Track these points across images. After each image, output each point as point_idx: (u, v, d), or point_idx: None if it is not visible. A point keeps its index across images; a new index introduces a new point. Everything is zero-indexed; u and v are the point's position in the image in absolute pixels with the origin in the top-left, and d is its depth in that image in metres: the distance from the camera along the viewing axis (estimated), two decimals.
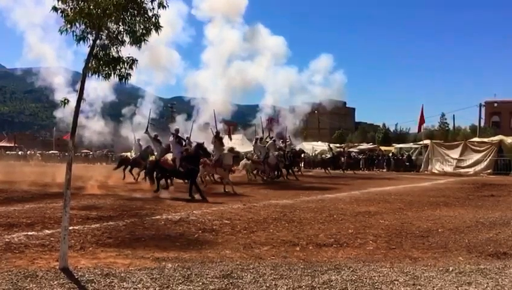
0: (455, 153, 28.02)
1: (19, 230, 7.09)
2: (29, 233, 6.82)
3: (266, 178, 20.63)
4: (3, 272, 4.63)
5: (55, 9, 4.93)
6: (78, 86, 5.32)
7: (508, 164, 26.54)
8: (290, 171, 22.26)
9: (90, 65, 5.08)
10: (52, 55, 28.48)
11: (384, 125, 69.63)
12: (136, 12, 5.07)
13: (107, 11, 4.81)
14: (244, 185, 16.81)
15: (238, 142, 30.20)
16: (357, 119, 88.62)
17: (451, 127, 56.78)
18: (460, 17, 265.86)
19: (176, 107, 48.51)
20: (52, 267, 4.86)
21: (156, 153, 15.29)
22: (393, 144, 41.22)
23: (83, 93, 5.17)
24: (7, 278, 4.44)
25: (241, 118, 51.93)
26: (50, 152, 53.04)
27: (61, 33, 4.99)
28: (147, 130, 16.49)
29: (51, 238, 6.39)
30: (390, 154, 35.24)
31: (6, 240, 6.27)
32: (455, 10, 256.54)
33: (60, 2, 4.91)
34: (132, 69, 5.25)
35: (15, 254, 5.51)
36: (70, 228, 6.19)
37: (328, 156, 31.72)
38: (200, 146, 13.18)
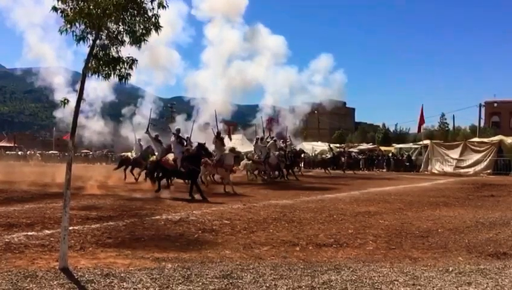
0: (455, 153, 28.03)
1: (18, 230, 7.09)
2: (29, 233, 6.82)
3: (267, 178, 20.63)
4: (3, 272, 4.63)
5: (55, 9, 4.93)
6: (78, 86, 5.32)
7: (508, 164, 26.55)
8: (290, 171, 22.27)
9: (90, 65, 5.08)
10: (52, 55, 28.50)
11: (384, 125, 69.71)
12: (136, 12, 5.07)
13: (107, 11, 4.81)
14: (244, 185, 16.81)
15: (238, 142, 30.19)
16: (356, 120, 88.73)
17: (451, 127, 56.80)
18: (460, 12, 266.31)
19: (175, 107, 48.53)
20: (52, 268, 4.85)
21: (156, 153, 15.30)
22: (393, 144, 41.25)
23: (83, 93, 5.17)
24: (7, 278, 4.44)
25: (241, 118, 51.91)
26: (50, 152, 53.07)
27: (61, 33, 4.99)
28: (147, 130, 16.49)
29: (51, 239, 6.39)
30: (390, 155, 35.27)
31: (6, 240, 6.27)
32: (455, 5, 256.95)
33: (59, 2, 4.91)
34: (132, 69, 5.25)
35: (15, 254, 5.51)
36: (70, 228, 6.19)
37: (329, 156, 31.74)
38: (201, 146, 13.18)
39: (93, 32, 4.99)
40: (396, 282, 4.60)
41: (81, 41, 5.00)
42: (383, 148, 40.23)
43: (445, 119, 61.90)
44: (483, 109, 48.43)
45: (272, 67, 31.85)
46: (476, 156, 27.14)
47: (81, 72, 5.14)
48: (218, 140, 16.22)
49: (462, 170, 26.98)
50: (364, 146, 40.67)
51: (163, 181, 14.12)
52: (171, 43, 30.97)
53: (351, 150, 36.05)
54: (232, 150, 16.26)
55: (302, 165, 28.06)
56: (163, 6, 5.12)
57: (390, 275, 4.82)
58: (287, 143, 23.90)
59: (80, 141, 29.13)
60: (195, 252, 5.81)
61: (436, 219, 8.94)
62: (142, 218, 8.54)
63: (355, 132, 69.22)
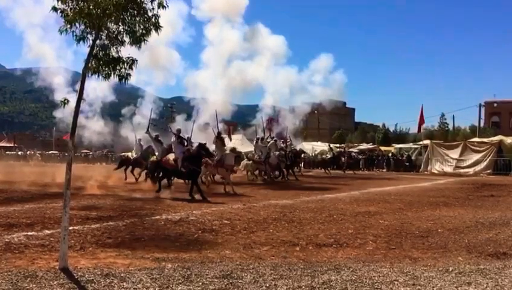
0: (455, 153, 28.05)
1: (18, 230, 7.09)
2: (29, 233, 6.82)
3: (267, 178, 20.63)
4: (3, 272, 4.63)
5: (54, 9, 4.93)
6: (78, 86, 5.32)
7: (508, 164, 26.56)
8: (290, 171, 22.27)
9: (90, 65, 5.08)
10: (52, 55, 28.53)
11: (384, 125, 69.69)
12: (136, 12, 5.07)
13: (107, 11, 4.81)
14: (244, 185, 16.81)
15: (238, 143, 30.21)
16: (356, 120, 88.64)
17: (451, 127, 56.78)
18: (460, 12, 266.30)
19: (175, 107, 48.51)
20: (52, 268, 4.85)
21: (157, 153, 15.30)
22: (393, 144, 41.28)
23: (83, 93, 5.17)
24: (7, 278, 4.44)
25: (241, 118, 51.93)
26: (50, 152, 53.07)
27: (61, 33, 5.00)
28: (147, 130, 16.51)
29: (51, 239, 6.39)
30: (390, 155, 35.28)
31: (6, 240, 6.27)
32: (455, 5, 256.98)
33: (59, 2, 4.91)
34: (132, 69, 5.25)
35: (15, 254, 5.51)
36: (70, 228, 6.19)
37: (329, 156, 31.74)
38: (202, 146, 13.18)
39: (93, 33, 4.99)
40: (396, 282, 4.60)
41: (81, 42, 5.00)
42: (383, 148, 40.24)
43: (445, 119, 61.96)
44: (483, 109, 48.45)
45: (271, 67, 31.92)
46: (476, 156, 27.15)
47: (81, 72, 5.14)
48: (219, 140, 16.22)
49: (462, 170, 26.99)
50: (364, 146, 40.68)
51: (164, 181, 14.11)
52: (171, 43, 31.03)
53: (351, 150, 36.07)
54: (233, 150, 16.27)
55: (302, 165, 28.06)
56: (163, 7, 5.12)
57: (390, 275, 4.82)
58: (287, 143, 23.91)
59: (80, 141, 29.15)
60: (195, 252, 5.81)
61: (436, 219, 8.94)
62: (142, 218, 8.54)
63: (355, 132, 69.19)
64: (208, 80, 29.93)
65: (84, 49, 5.05)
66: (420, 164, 30.39)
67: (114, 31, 5.11)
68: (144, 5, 5.06)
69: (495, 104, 60.83)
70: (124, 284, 4.38)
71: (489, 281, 4.69)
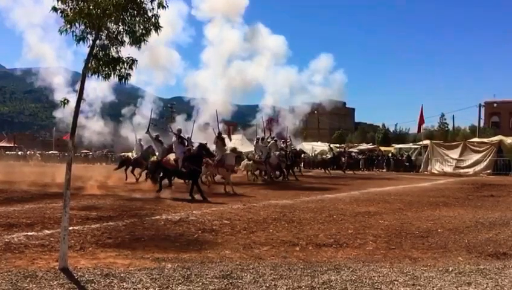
0: (455, 154, 28.05)
1: (18, 230, 7.09)
2: (29, 233, 6.82)
3: (267, 178, 20.62)
4: (3, 272, 4.63)
5: (54, 9, 4.93)
6: (77, 86, 5.32)
7: (508, 164, 26.57)
8: (290, 171, 22.27)
9: (90, 65, 5.08)
10: (51, 55, 28.51)
11: (383, 125, 69.66)
12: (135, 12, 5.07)
13: (107, 12, 4.81)
14: (244, 186, 16.81)
15: (238, 143, 30.20)
16: (356, 120, 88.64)
17: (450, 127, 56.78)
18: (460, 12, 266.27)
19: (175, 107, 48.50)
20: (51, 268, 4.85)
21: (157, 154, 15.31)
22: (393, 144, 41.28)
23: (83, 93, 5.17)
24: (7, 278, 4.44)
25: (241, 118, 51.96)
26: (50, 152, 53.08)
27: (61, 33, 5.00)
28: (148, 130, 16.52)
29: (51, 239, 6.39)
30: (390, 155, 35.28)
31: (6, 240, 6.27)
32: (455, 5, 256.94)
33: (59, 2, 4.91)
34: (132, 69, 5.25)
35: (15, 254, 5.51)
36: (70, 228, 6.19)
37: (329, 156, 31.73)
38: (203, 146, 13.18)
39: (93, 33, 4.99)
40: (396, 282, 4.60)
41: (81, 42, 5.00)
42: (382, 148, 40.24)
43: (445, 119, 61.94)
44: (483, 109, 48.49)
45: (271, 67, 31.92)
46: (476, 156, 27.16)
47: (81, 72, 5.14)
48: (219, 140, 16.22)
49: (461, 170, 27.00)
50: (364, 146, 40.69)
51: (165, 181, 14.12)
52: (171, 43, 31.03)
53: (350, 150, 36.08)
54: (234, 150, 16.27)
55: (302, 165, 28.08)
56: (163, 7, 5.12)
57: (390, 275, 4.82)
58: (287, 143, 23.91)
59: (80, 141, 29.15)
60: (195, 252, 5.81)
61: (436, 219, 8.94)
62: (142, 218, 8.54)
63: (355, 132, 69.20)
64: (208, 80, 29.96)
65: (84, 49, 5.06)
66: (420, 164, 30.40)
67: (114, 31, 5.11)
68: (143, 5, 5.06)
69: (495, 104, 60.83)
70: (124, 284, 4.38)
71: (489, 281, 4.69)
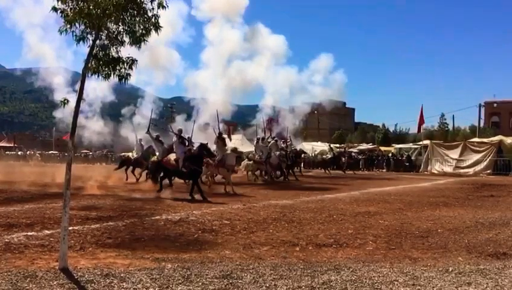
0: (455, 154, 28.05)
1: (18, 230, 7.09)
2: (29, 233, 6.81)
3: (268, 178, 20.60)
4: (3, 273, 4.63)
5: (54, 9, 4.93)
6: (77, 86, 5.32)
7: (508, 164, 26.56)
8: (290, 171, 22.26)
9: (89, 65, 5.08)
10: (51, 55, 28.53)
11: (383, 125, 69.63)
12: (135, 12, 5.07)
13: (107, 12, 4.81)
14: (244, 186, 16.80)
15: (238, 143, 30.25)
16: (356, 120, 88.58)
17: (450, 127, 56.75)
18: (460, 12, 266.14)
19: (175, 107, 48.50)
20: (51, 268, 4.85)
21: (157, 153, 15.31)
22: (393, 145, 41.27)
23: (83, 93, 5.17)
24: (7, 279, 4.44)
25: (241, 118, 51.98)
26: (50, 152, 53.06)
27: (61, 33, 5.00)
28: (148, 130, 16.53)
29: (51, 239, 6.39)
30: (390, 155, 35.28)
31: (6, 240, 6.27)
32: (455, 5, 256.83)
33: (59, 2, 4.91)
34: (132, 69, 5.25)
35: (15, 254, 5.51)
36: (70, 228, 6.19)
37: (329, 156, 31.72)
38: (203, 146, 13.18)
39: (93, 33, 4.99)
40: (396, 282, 4.60)
41: (81, 42, 5.00)
42: (382, 148, 40.24)
43: (445, 119, 61.90)
44: (483, 109, 48.47)
45: (272, 67, 31.93)
46: (476, 156, 27.15)
47: (81, 72, 5.14)
48: (220, 140, 16.21)
49: (461, 170, 27.00)
50: (364, 146, 40.68)
51: (165, 181, 14.12)
52: (171, 43, 31.05)
53: (350, 150, 36.07)
54: (234, 150, 16.27)
55: (302, 165, 28.08)
56: (163, 7, 5.12)
57: (390, 275, 4.82)
58: (288, 143, 23.91)
59: (80, 141, 29.16)
60: (195, 252, 5.81)
61: (436, 219, 8.94)
62: (142, 218, 8.53)
63: (355, 132, 69.18)
64: (208, 80, 29.97)
65: (84, 49, 5.06)
66: (420, 164, 30.40)
67: (114, 31, 5.11)
68: (143, 5, 5.06)
69: (495, 104, 60.80)
70: (124, 284, 4.38)
71: (489, 281, 4.69)
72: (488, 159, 26.68)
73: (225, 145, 16.54)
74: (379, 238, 6.94)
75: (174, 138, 13.86)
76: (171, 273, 4.77)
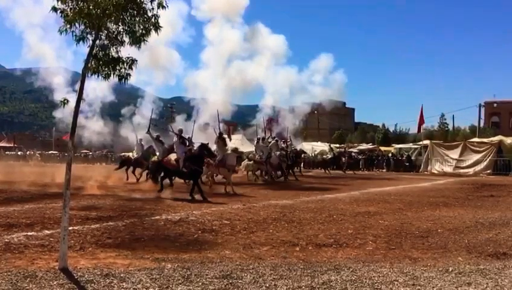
0: (455, 154, 28.04)
1: (18, 230, 7.09)
2: (29, 233, 6.81)
3: (268, 178, 20.59)
4: (3, 272, 4.63)
5: (54, 9, 4.92)
6: (77, 86, 5.32)
7: (508, 164, 26.56)
8: (290, 171, 22.26)
9: (89, 65, 5.08)
10: (51, 55, 28.57)
11: (383, 125, 69.65)
12: (135, 12, 5.07)
13: (107, 12, 4.81)
14: (244, 186, 16.80)
15: (238, 143, 30.21)
16: (356, 120, 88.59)
17: (450, 127, 56.75)
18: (460, 12, 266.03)
19: (175, 107, 48.54)
20: (51, 268, 4.85)
21: (158, 154, 15.31)
22: (393, 145, 41.27)
23: (83, 93, 5.17)
24: (7, 279, 4.44)
25: (240, 118, 52.00)
26: (49, 152, 53.07)
27: (61, 33, 5.00)
28: (148, 130, 16.53)
29: (51, 239, 6.39)
30: (390, 155, 35.28)
31: (6, 240, 6.27)
32: (455, 5, 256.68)
33: (59, 2, 4.91)
34: (132, 69, 5.25)
35: (14, 254, 5.51)
36: (70, 228, 6.19)
37: (329, 156, 31.72)
38: (204, 146, 13.17)
39: (93, 33, 4.99)
40: (396, 282, 4.60)
41: (81, 42, 5.00)
42: (382, 148, 40.24)
43: (445, 119, 61.89)
44: (482, 109, 48.46)
45: (272, 67, 31.97)
46: (476, 157, 27.15)
47: (80, 72, 5.14)
48: (221, 140, 16.21)
49: (461, 170, 26.99)
50: (364, 146, 40.68)
51: (166, 181, 14.12)
52: (171, 43, 31.11)
53: (350, 150, 36.07)
54: (235, 150, 16.26)
55: (302, 165, 28.08)
56: (163, 7, 5.12)
57: (390, 275, 4.82)
58: (288, 143, 23.91)
59: (80, 141, 29.17)
60: (195, 253, 5.81)
61: (436, 219, 8.94)
62: (142, 218, 8.53)
63: (355, 132, 69.20)
64: (208, 80, 30.02)
65: (84, 49, 5.06)
66: (420, 164, 30.39)
67: (114, 31, 5.11)
68: (143, 5, 5.06)
69: (495, 104, 60.79)
70: (124, 284, 4.38)
71: (489, 281, 4.69)
72: (488, 159, 26.68)
73: (226, 145, 16.54)
74: (379, 238, 6.94)
75: (175, 138, 13.86)
76: (171, 273, 4.77)
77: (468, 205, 11.53)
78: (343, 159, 30.69)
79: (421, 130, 35.58)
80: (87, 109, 24.88)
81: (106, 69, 5.13)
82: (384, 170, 32.54)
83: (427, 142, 31.91)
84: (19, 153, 56.70)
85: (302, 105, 31.76)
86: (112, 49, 5.15)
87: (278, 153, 20.86)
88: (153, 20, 5.13)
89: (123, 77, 5.23)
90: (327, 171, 29.14)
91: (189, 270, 4.89)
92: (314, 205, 10.95)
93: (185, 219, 8.42)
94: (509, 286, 4.55)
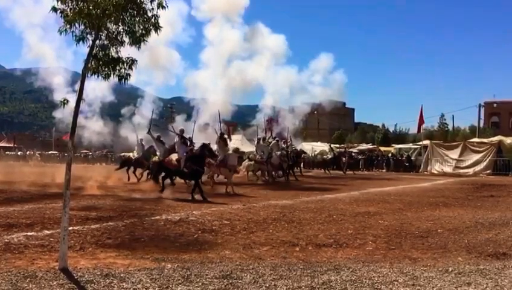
0: (454, 154, 28.05)
1: (18, 230, 7.09)
2: (29, 233, 6.81)
3: (269, 178, 20.58)
4: (3, 273, 4.63)
5: (54, 9, 4.93)
6: (77, 86, 5.32)
7: (507, 164, 26.57)
8: (290, 171, 22.25)
9: (89, 65, 5.08)
10: (51, 55, 28.54)
11: (383, 125, 69.82)
12: (135, 12, 5.07)
13: (107, 12, 4.81)
14: (244, 186, 16.80)
15: (238, 143, 30.19)
16: (356, 120, 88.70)
17: (450, 127, 56.84)
18: (460, 12, 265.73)
19: (175, 107, 48.52)
20: (51, 268, 4.85)
21: (158, 154, 15.30)
22: (393, 145, 41.29)
23: (83, 93, 5.17)
24: (7, 279, 4.44)
25: (240, 119, 51.99)
26: (49, 152, 53.04)
27: (61, 34, 5.00)
28: (149, 130, 16.53)
29: (51, 239, 6.39)
30: (390, 155, 35.29)
31: (6, 240, 6.27)
32: (455, 5, 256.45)
33: (59, 3, 4.91)
34: (132, 69, 5.25)
35: (14, 255, 5.51)
36: (70, 228, 6.19)
37: (330, 156, 31.72)
38: (205, 146, 13.16)
39: (93, 33, 4.99)
40: (396, 282, 4.60)
41: (81, 42, 5.00)
42: (382, 148, 40.26)
43: (445, 119, 61.99)
44: (482, 109, 48.50)
45: (272, 67, 31.96)
46: (476, 157, 27.16)
47: (80, 72, 5.14)
48: (222, 140, 16.20)
49: (461, 170, 27.00)
50: (363, 146, 40.70)
51: (167, 180, 14.11)
52: (171, 43, 31.09)
53: (350, 150, 36.07)
54: (236, 150, 16.26)
55: (302, 165, 28.07)
56: (163, 7, 5.12)
57: (390, 276, 4.82)
58: (288, 143, 23.90)
59: (80, 142, 29.16)
60: (195, 253, 5.81)
61: (436, 219, 8.95)
62: (142, 218, 8.53)
63: (354, 132, 69.26)
64: (208, 80, 30.00)
65: (84, 49, 5.06)
66: (420, 164, 30.40)
67: (114, 32, 5.11)
68: (143, 6, 5.06)
69: (495, 105, 60.83)
70: (124, 284, 4.38)
71: (489, 281, 4.69)
72: (487, 159, 26.69)
73: (227, 145, 16.53)
74: (379, 239, 6.94)
75: (176, 138, 13.87)
76: (171, 273, 4.77)
77: (468, 205, 11.53)
78: (344, 159, 30.68)
79: (421, 130, 35.60)
80: (87, 109, 24.87)
81: (106, 69, 5.14)
82: (384, 170, 32.54)
83: (427, 142, 31.92)
84: (19, 153, 56.69)
85: (302, 105, 31.77)
86: (111, 49, 5.15)
87: (279, 153, 20.85)
88: (152, 20, 5.14)
89: (123, 77, 5.23)
90: (327, 172, 29.14)
91: (189, 270, 4.89)
92: (314, 205, 10.95)
93: (185, 219, 8.43)
94: (509, 286, 4.55)
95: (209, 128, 20.70)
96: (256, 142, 22.16)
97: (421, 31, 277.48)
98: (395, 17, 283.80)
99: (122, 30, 5.12)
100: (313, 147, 38.72)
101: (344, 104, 72.85)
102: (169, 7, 5.19)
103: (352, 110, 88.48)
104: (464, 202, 12.30)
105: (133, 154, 20.67)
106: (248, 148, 28.06)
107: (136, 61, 5.25)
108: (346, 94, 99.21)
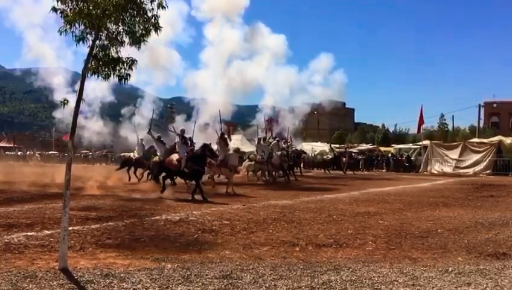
0: (454, 154, 28.06)
1: (18, 231, 7.09)
2: (29, 234, 6.81)
3: (270, 178, 20.58)
4: (3, 273, 4.63)
5: (54, 9, 4.93)
6: (77, 87, 5.32)
7: (507, 164, 26.58)
8: (290, 171, 22.25)
9: (89, 66, 5.08)
10: (51, 55, 28.55)
11: (383, 125, 69.94)
12: (135, 12, 5.07)
13: (107, 12, 4.81)
14: (244, 186, 16.80)
15: (238, 143, 30.20)
16: (356, 120, 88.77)
17: (450, 127, 56.88)
18: (460, 12, 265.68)
19: (175, 107, 48.53)
20: (51, 268, 4.86)
21: (159, 154, 15.29)
22: (393, 145, 41.32)
23: (83, 93, 5.17)
24: (7, 279, 4.44)
25: (240, 119, 52.02)
26: (49, 152, 53.08)
27: (61, 34, 5.00)
28: (149, 130, 16.53)
29: (51, 239, 6.39)
30: (390, 155, 35.30)
31: (6, 240, 6.27)
32: (455, 5, 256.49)
33: (59, 3, 4.91)
34: (132, 69, 5.25)
35: (14, 255, 5.51)
36: (70, 228, 6.19)
37: (330, 156, 31.72)
38: (206, 146, 13.15)
39: (93, 33, 4.99)
40: (396, 282, 4.60)
41: (81, 42, 5.00)
42: (382, 148, 40.27)
43: (445, 119, 62.04)
44: (482, 110, 48.52)
45: (271, 67, 31.95)
46: (476, 157, 27.17)
47: (80, 72, 5.15)
48: (222, 140, 16.20)
49: (461, 171, 27.01)
50: (363, 146, 40.71)
51: (168, 180, 14.11)
52: (171, 43, 31.10)
53: (350, 150, 36.07)
54: (237, 150, 16.26)
55: (302, 165, 28.06)
56: (163, 7, 5.12)
57: (390, 276, 4.83)
58: (288, 143, 23.91)
59: (80, 142, 29.17)
60: (195, 253, 5.81)
61: (436, 219, 8.95)
62: (142, 218, 8.54)
63: (354, 132, 69.29)
64: (208, 80, 29.99)
65: (84, 49, 5.06)
66: (420, 164, 30.41)
67: (114, 32, 5.11)
68: (143, 6, 5.06)
69: (494, 105, 60.85)
70: (124, 284, 4.38)
71: (488, 281, 4.69)
72: (487, 160, 26.70)
73: (227, 145, 16.53)
74: (379, 239, 6.94)
75: (177, 138, 13.87)
76: (171, 273, 4.77)
77: (468, 205, 11.53)
78: (344, 159, 30.67)
79: (421, 131, 35.63)
80: (87, 109, 24.88)
81: (106, 69, 5.14)
82: (384, 170, 32.55)
83: (426, 142, 31.93)
84: (19, 153, 56.72)
85: (302, 105, 31.76)
86: (111, 49, 5.15)
87: (279, 153, 20.85)
88: (152, 20, 5.14)
89: (123, 77, 5.23)
90: (327, 172, 29.14)
91: (189, 270, 4.89)
92: (314, 205, 10.95)
93: (185, 219, 8.43)
94: (509, 286, 4.56)
95: (209, 129, 20.71)
96: (256, 142, 22.16)
97: (421, 31, 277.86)
98: (395, 17, 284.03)
99: (122, 30, 5.13)
100: (313, 147, 38.72)
101: (344, 104, 72.88)
102: (169, 7, 5.19)
103: (352, 110, 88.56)
104: (463, 202, 12.30)
105: (134, 155, 20.67)
106: (248, 148, 28.06)
107: (136, 61, 5.26)
108: (346, 94, 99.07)
